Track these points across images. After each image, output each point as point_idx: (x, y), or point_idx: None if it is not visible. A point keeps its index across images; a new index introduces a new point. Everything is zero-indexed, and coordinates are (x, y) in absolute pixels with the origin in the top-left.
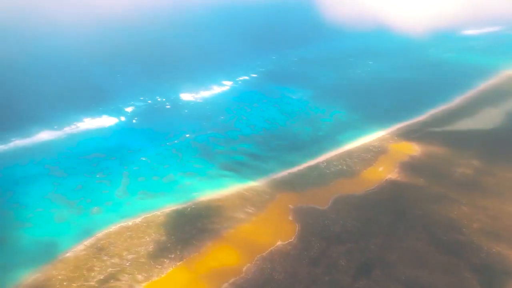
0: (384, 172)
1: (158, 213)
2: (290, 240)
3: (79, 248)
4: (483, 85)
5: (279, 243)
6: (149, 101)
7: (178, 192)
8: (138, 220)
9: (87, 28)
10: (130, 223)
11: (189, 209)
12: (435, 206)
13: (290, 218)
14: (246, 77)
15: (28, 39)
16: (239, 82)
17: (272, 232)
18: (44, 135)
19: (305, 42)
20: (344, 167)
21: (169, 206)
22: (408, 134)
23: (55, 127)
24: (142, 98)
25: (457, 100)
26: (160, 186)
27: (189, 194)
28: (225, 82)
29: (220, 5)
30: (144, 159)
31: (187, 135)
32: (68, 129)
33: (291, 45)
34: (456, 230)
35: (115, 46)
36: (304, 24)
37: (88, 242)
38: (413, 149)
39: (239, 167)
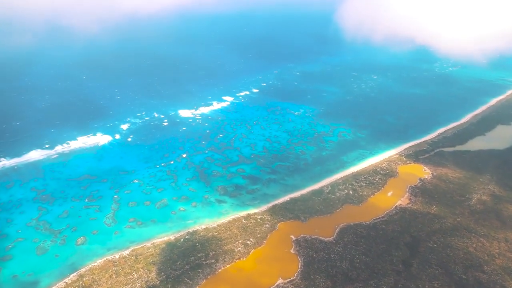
0: (393, 198)
1: (148, 244)
2: (291, 278)
3: (60, 286)
4: (493, 101)
5: (279, 281)
6: (146, 118)
7: (171, 220)
8: (126, 252)
9: (88, 43)
10: (117, 256)
11: (182, 240)
12: (451, 238)
13: (292, 251)
14: (247, 92)
15: (24, 53)
16: (240, 97)
17: (272, 269)
18: (35, 154)
19: (308, 55)
20: (350, 192)
21: (160, 236)
22: (418, 155)
23: (47, 146)
24: (139, 115)
25: (467, 117)
26: (152, 213)
27: (183, 222)
28: (225, 98)
29: (221, 17)
30: (136, 181)
31: (184, 155)
32: (60, 148)
33: (294, 59)
34: (477, 267)
35: (115, 61)
36: (308, 37)
37: (69, 279)
38: (424, 171)
39: (237, 192)
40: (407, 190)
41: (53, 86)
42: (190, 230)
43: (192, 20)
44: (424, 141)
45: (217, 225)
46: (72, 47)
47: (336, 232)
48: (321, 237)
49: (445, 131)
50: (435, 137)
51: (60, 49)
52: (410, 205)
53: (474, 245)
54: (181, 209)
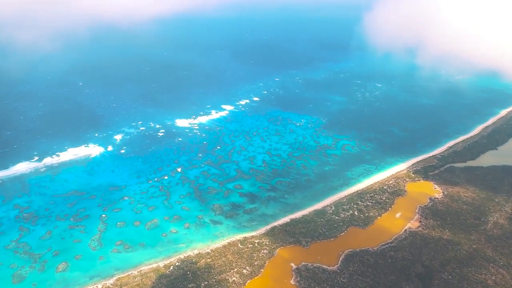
0: (402, 220)
1: (135, 272)
2: None
3: None
4: (503, 112)
5: None
6: (142, 128)
7: (162, 243)
8: (109, 282)
9: (88, 48)
10: (99, 286)
11: (172, 267)
12: (467, 269)
13: (292, 281)
14: (247, 101)
15: (20, 59)
16: (240, 106)
17: None
18: (21, 167)
19: (311, 62)
20: (356, 213)
21: (148, 263)
22: (427, 171)
23: (35, 158)
24: (134, 124)
25: (477, 130)
26: (141, 235)
27: (174, 247)
28: (224, 106)
29: (221, 22)
30: (127, 198)
31: (178, 169)
32: (49, 160)
33: (296, 66)
34: None
35: (113, 67)
36: (312, 43)
37: None
38: (434, 189)
39: (234, 211)
40: (416, 211)
41: (49, 93)
42: (181, 256)
43: (192, 25)
44: (433, 155)
45: (211, 250)
46: (71, 53)
47: (340, 259)
48: (324, 266)
49: (454, 145)
50: (444, 151)
51: (61, 53)
52: (420, 229)
53: (493, 278)
54: (172, 231)
